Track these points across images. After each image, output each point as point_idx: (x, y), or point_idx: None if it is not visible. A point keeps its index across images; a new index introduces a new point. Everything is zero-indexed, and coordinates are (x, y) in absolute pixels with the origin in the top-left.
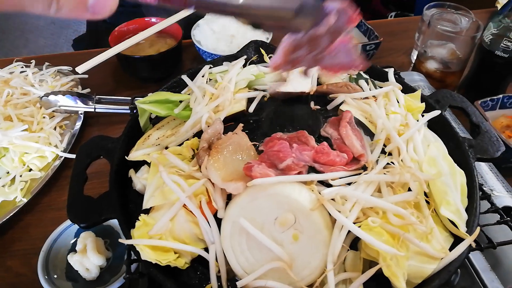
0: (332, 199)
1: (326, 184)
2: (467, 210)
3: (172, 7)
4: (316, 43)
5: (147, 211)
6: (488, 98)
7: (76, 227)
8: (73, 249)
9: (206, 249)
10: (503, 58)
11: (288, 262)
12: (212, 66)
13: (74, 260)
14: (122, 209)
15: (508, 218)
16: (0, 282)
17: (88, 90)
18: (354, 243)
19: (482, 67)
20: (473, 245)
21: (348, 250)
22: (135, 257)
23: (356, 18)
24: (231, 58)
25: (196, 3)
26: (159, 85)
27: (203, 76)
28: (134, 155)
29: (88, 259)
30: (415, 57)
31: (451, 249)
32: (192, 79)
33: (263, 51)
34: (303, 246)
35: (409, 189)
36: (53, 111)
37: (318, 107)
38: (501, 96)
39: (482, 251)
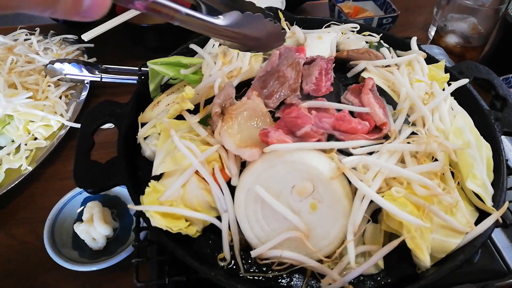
0: (354, 168)
1: (346, 153)
2: (493, 184)
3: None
4: (282, 76)
5: (157, 178)
6: (510, 75)
7: (82, 196)
8: (79, 218)
9: (219, 218)
10: None
11: (305, 232)
12: None
13: (80, 229)
14: (130, 176)
15: None
16: (5, 249)
17: (94, 59)
18: (374, 215)
19: (505, 42)
20: (500, 220)
21: (369, 221)
22: (145, 225)
23: (300, 49)
24: None
25: (181, 21)
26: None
27: (219, 45)
28: (144, 117)
29: (94, 229)
30: (432, 33)
31: (476, 224)
32: (202, 47)
33: (281, 15)
34: (322, 216)
35: (434, 160)
36: (58, 79)
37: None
38: None
39: (507, 228)
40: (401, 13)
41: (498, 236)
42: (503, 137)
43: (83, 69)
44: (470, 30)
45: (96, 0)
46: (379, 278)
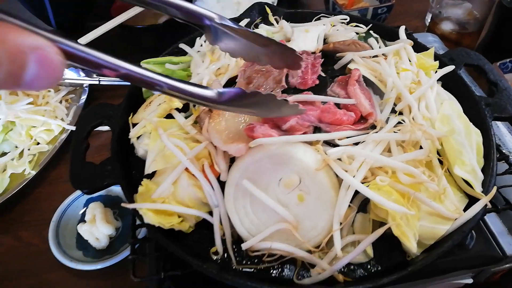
0: (339, 159)
1: (332, 145)
2: (483, 170)
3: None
4: (266, 71)
5: (150, 177)
6: (508, 60)
7: (85, 198)
8: (82, 219)
9: (211, 213)
10: None
11: (294, 223)
12: None
13: (83, 230)
14: (124, 175)
15: None
16: (12, 251)
17: None
18: (364, 205)
19: (501, 27)
20: (489, 205)
21: (358, 212)
22: (140, 222)
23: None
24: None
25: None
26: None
27: (205, 41)
28: (136, 118)
29: (97, 229)
30: (429, 21)
31: (465, 210)
32: (192, 46)
33: (268, 10)
34: (309, 207)
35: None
36: (57, 84)
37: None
38: None
39: (498, 213)
40: (399, 2)
41: (493, 221)
42: (499, 122)
43: (81, 73)
44: (466, 16)
45: (42, 71)
46: (369, 267)
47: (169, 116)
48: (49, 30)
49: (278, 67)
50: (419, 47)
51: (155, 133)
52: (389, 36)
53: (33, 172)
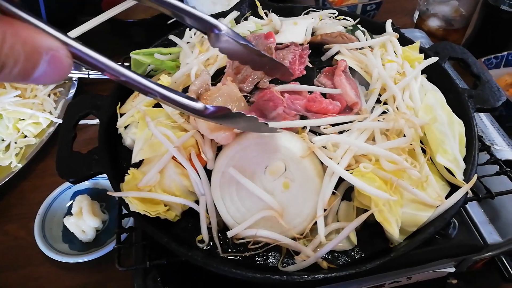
0: (324, 147)
1: (318, 134)
2: (465, 160)
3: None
4: (255, 61)
5: (137, 166)
6: (492, 56)
7: (72, 191)
8: (69, 212)
9: (197, 202)
10: (509, 14)
11: (279, 210)
12: None
13: (70, 222)
14: (111, 164)
15: (508, 169)
16: None
17: None
18: (348, 193)
19: (487, 24)
20: (470, 193)
21: (342, 200)
22: (126, 212)
23: (269, 34)
24: (225, 15)
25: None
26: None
27: (195, 34)
28: (124, 108)
29: (84, 222)
30: (417, 18)
31: (447, 198)
32: (182, 37)
33: (258, 4)
34: (294, 195)
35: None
36: None
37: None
38: (505, 53)
39: (479, 202)
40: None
41: (475, 211)
42: (482, 114)
43: None
44: (452, 13)
45: (51, 71)
46: (353, 254)
47: (158, 106)
48: (63, 33)
49: (269, 75)
50: (405, 42)
51: (142, 122)
52: (377, 31)
53: (20, 165)
